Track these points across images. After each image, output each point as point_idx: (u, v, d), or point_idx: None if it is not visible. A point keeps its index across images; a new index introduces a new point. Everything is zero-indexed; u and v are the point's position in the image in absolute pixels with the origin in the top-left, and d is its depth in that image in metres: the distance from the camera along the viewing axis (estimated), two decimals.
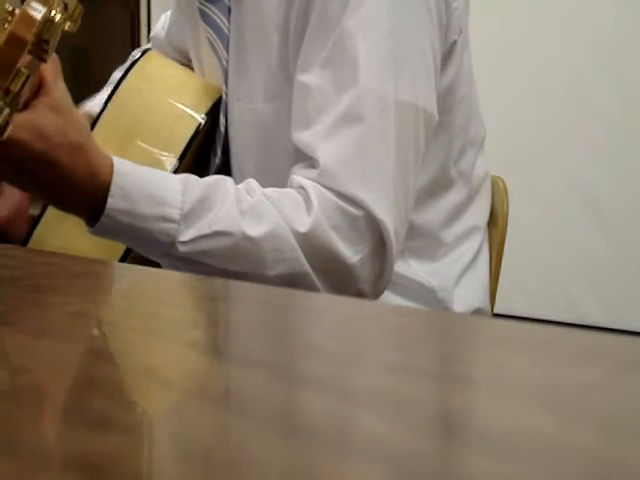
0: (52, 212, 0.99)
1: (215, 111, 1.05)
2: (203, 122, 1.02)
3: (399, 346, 0.46)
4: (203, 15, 1.06)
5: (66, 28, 0.63)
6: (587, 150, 2.76)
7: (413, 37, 0.92)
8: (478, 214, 1.10)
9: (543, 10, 2.81)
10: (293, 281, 0.87)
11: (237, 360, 0.42)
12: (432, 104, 0.94)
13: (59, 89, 0.80)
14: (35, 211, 1.02)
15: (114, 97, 1.02)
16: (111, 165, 0.83)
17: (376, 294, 0.93)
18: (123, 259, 0.98)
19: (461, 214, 1.07)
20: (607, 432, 0.29)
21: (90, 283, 0.70)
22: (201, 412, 0.33)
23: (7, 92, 0.59)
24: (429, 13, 0.93)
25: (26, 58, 0.60)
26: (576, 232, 2.79)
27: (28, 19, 0.59)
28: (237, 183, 0.90)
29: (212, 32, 1.05)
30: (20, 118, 0.76)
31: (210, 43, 1.06)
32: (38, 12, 0.60)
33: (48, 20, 0.60)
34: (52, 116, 0.79)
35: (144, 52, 1.11)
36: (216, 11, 1.04)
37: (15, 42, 0.59)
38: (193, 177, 0.88)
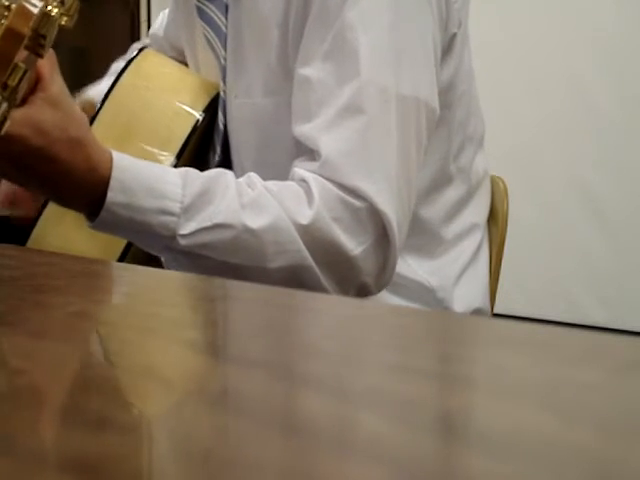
0: (51, 211, 1.00)
1: (212, 108, 1.05)
2: (201, 119, 1.03)
3: (399, 346, 0.46)
4: (200, 13, 1.06)
5: (63, 23, 0.63)
6: (587, 150, 2.76)
7: (414, 30, 0.93)
8: (478, 212, 1.10)
9: (543, 10, 2.81)
10: (295, 274, 0.87)
11: (236, 360, 0.42)
12: (433, 98, 0.94)
13: (56, 84, 0.80)
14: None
15: (111, 95, 1.02)
16: (110, 159, 0.83)
17: (379, 287, 0.92)
18: (122, 258, 0.98)
19: (460, 211, 1.07)
20: (607, 432, 0.29)
21: (90, 283, 0.70)
22: (200, 412, 0.33)
23: (5, 87, 0.59)
24: (429, 6, 0.93)
25: (23, 53, 0.60)
26: (576, 232, 2.79)
27: (25, 13, 0.59)
28: (237, 177, 0.90)
29: (210, 30, 1.05)
30: (18, 113, 0.76)
31: (207, 41, 1.06)
32: (35, 6, 0.60)
33: (45, 14, 0.60)
34: (50, 111, 0.80)
35: (140, 50, 1.11)
36: (214, 9, 1.04)
37: (12, 36, 0.59)
38: (193, 171, 0.88)
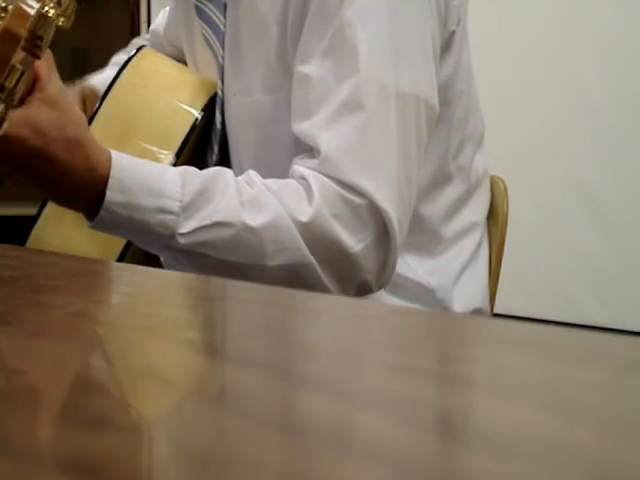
0: (50, 211, 1.00)
1: (211, 106, 1.05)
2: (200, 117, 1.03)
3: (399, 346, 0.46)
4: (199, 11, 1.06)
5: (60, 24, 0.63)
6: (587, 150, 2.76)
7: (413, 27, 0.93)
8: (477, 211, 1.10)
9: (543, 10, 2.81)
10: (295, 272, 0.87)
11: (236, 360, 0.42)
12: (433, 95, 0.94)
13: (53, 84, 0.80)
14: (32, 211, 1.02)
15: (109, 94, 1.02)
16: (109, 159, 0.83)
17: (380, 285, 0.92)
18: (121, 257, 0.98)
19: (460, 210, 1.07)
20: (607, 432, 0.29)
21: (89, 283, 0.70)
22: (200, 412, 0.33)
23: (2, 88, 0.60)
24: (428, 3, 0.93)
25: (20, 54, 0.60)
26: (576, 232, 2.79)
27: (21, 14, 0.59)
28: (236, 176, 0.90)
29: (208, 28, 1.05)
30: (15, 114, 0.76)
31: (205, 39, 1.06)
32: (31, 8, 0.60)
33: (42, 15, 0.60)
34: (48, 111, 0.80)
35: (139, 49, 1.11)
36: (212, 8, 1.04)
37: (9, 38, 0.59)
38: (192, 169, 0.88)
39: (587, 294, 2.79)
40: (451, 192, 1.06)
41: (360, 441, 0.29)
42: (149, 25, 1.38)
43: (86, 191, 0.83)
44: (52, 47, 0.65)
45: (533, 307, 2.85)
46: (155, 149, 0.99)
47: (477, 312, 1.07)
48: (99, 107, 1.02)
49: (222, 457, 0.27)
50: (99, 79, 1.18)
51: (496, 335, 0.48)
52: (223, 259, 0.86)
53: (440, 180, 1.04)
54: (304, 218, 0.86)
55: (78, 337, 0.48)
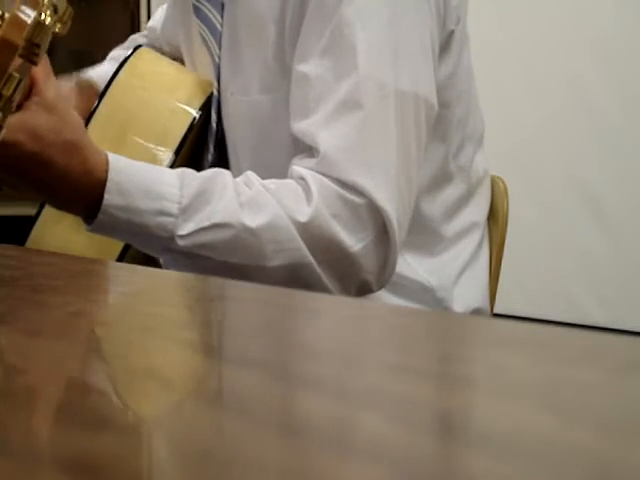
0: (49, 212, 1.00)
1: (209, 106, 1.05)
2: (197, 117, 1.03)
3: (399, 346, 0.46)
4: (197, 11, 1.06)
5: (57, 30, 0.63)
6: (587, 150, 2.76)
7: (412, 26, 0.92)
8: (478, 210, 1.10)
9: (543, 10, 2.81)
10: (295, 272, 0.87)
11: (235, 360, 0.42)
12: (432, 94, 0.94)
13: (51, 88, 0.80)
14: (32, 211, 1.02)
15: (107, 95, 1.02)
16: (106, 162, 0.83)
17: (380, 284, 0.92)
18: (120, 258, 0.98)
19: (460, 209, 1.07)
20: (607, 432, 0.29)
21: (89, 283, 0.70)
22: (199, 412, 0.33)
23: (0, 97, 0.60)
24: (427, 2, 0.93)
25: (17, 62, 0.60)
26: (576, 232, 2.79)
27: (18, 23, 0.59)
28: (234, 177, 0.90)
29: (205, 28, 1.05)
30: (13, 119, 0.76)
31: (203, 39, 1.06)
32: (28, 16, 0.60)
33: (39, 23, 0.60)
34: (45, 115, 0.80)
35: (135, 49, 1.11)
36: (209, 7, 1.04)
37: (6, 46, 0.59)
38: (190, 171, 0.88)
39: (587, 294, 2.79)
40: (452, 192, 1.06)
41: (360, 441, 0.29)
42: (153, 17, 1.38)
43: (84, 195, 0.83)
44: (52, 47, 0.65)
45: (533, 307, 2.85)
46: (154, 148, 0.99)
47: (477, 312, 1.07)
48: (97, 107, 1.02)
49: (221, 457, 0.27)
50: (97, 73, 1.18)
51: (496, 335, 0.48)
52: (223, 260, 0.86)
53: (441, 180, 1.04)
54: (303, 218, 0.86)
55: (77, 337, 0.48)
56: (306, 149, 0.90)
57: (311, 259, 0.87)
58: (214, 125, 1.05)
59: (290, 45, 0.94)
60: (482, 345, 0.47)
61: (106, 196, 0.83)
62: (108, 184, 0.83)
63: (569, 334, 0.50)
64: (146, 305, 0.59)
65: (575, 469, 0.26)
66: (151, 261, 1.00)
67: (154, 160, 0.97)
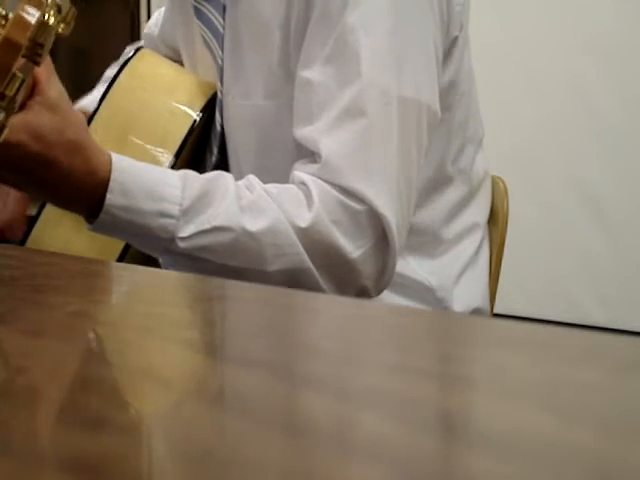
0: (49, 212, 1.00)
1: (210, 108, 1.05)
2: (198, 119, 1.02)
3: (399, 346, 0.46)
4: (198, 13, 1.06)
5: (60, 31, 0.63)
6: (587, 150, 2.76)
7: (415, 33, 0.92)
8: (478, 212, 1.10)
9: (543, 11, 2.81)
10: (294, 277, 0.87)
11: (236, 360, 0.42)
12: (435, 101, 0.94)
13: (53, 88, 0.80)
14: (32, 211, 1.02)
15: (108, 96, 1.02)
16: (109, 162, 0.83)
17: (378, 290, 0.92)
18: (121, 258, 0.98)
19: (461, 212, 1.07)
20: (607, 432, 0.29)
21: (89, 283, 0.70)
22: (199, 412, 0.33)
23: (2, 97, 0.60)
24: (431, 9, 0.93)
25: (20, 62, 0.60)
26: (576, 232, 2.79)
27: (22, 23, 0.59)
28: (236, 180, 0.90)
29: (207, 30, 1.05)
30: (15, 119, 0.76)
31: (204, 41, 1.06)
32: (32, 16, 0.60)
33: (42, 24, 0.60)
34: (48, 115, 0.80)
35: (136, 50, 1.10)
36: (211, 9, 1.04)
37: (10, 47, 0.59)
38: (192, 173, 0.88)
39: (587, 294, 2.79)
40: (452, 195, 1.06)
41: (360, 440, 0.29)
42: (148, 22, 1.38)
43: (87, 194, 0.83)
44: (52, 47, 0.65)
45: (533, 307, 2.85)
46: (154, 150, 0.99)
47: (477, 312, 1.07)
48: (97, 109, 1.02)
49: (222, 457, 0.27)
50: (89, 100, 1.18)
51: (496, 335, 0.48)
52: (222, 263, 0.86)
53: (439, 183, 1.04)
54: (303, 223, 0.86)
55: (78, 337, 0.48)
56: (308, 155, 0.90)
57: (310, 264, 0.87)
58: (218, 127, 1.05)
59: (295, 51, 0.94)
60: (482, 345, 0.47)
61: (109, 196, 0.83)
62: (111, 184, 0.83)
63: (569, 334, 0.50)
64: (146, 305, 0.59)
65: (575, 469, 0.26)
66: (151, 261, 1.00)
67: (154, 162, 0.97)
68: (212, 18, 1.04)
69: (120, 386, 0.38)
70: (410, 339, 0.47)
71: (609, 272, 2.74)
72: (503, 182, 1.16)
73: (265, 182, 0.90)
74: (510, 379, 0.37)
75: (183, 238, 0.85)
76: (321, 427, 0.31)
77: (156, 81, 1.08)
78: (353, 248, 0.88)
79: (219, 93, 1.05)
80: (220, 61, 1.04)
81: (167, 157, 0.99)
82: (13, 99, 0.60)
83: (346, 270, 0.89)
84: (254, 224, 0.86)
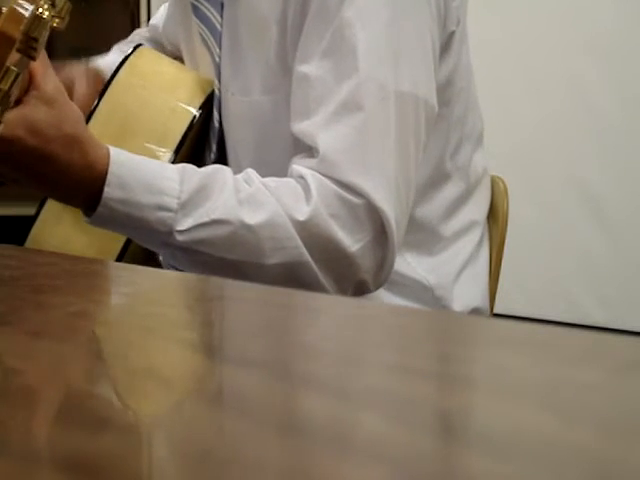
0: (48, 211, 1.00)
1: (208, 105, 1.05)
2: (197, 115, 1.03)
3: (399, 346, 0.46)
4: (195, 10, 1.06)
5: (55, 25, 0.63)
6: (587, 150, 2.76)
7: (412, 28, 0.93)
8: (477, 209, 1.10)
9: (542, 9, 2.81)
10: (292, 270, 0.87)
11: (236, 360, 0.42)
12: (432, 95, 0.94)
13: (50, 82, 0.80)
14: (31, 211, 1.02)
15: (106, 93, 1.02)
16: (107, 155, 0.83)
17: (377, 284, 0.92)
18: (120, 257, 0.98)
19: (459, 208, 1.07)
20: (607, 432, 0.29)
21: (89, 283, 0.70)
22: (199, 412, 0.33)
23: None
24: (428, 4, 0.93)
25: (15, 56, 0.60)
26: (576, 232, 2.79)
27: (16, 16, 0.59)
28: (234, 175, 0.90)
29: (204, 27, 1.05)
30: (12, 115, 0.76)
31: (202, 38, 1.06)
32: (26, 10, 0.60)
33: (36, 17, 0.60)
34: (44, 109, 0.80)
35: (135, 48, 1.10)
36: (209, 6, 1.04)
37: (3, 40, 0.59)
38: (191, 167, 0.88)
39: (587, 294, 2.79)
40: (450, 191, 1.06)
41: (359, 441, 0.29)
42: (155, 14, 1.38)
43: (85, 187, 0.83)
44: (52, 47, 0.65)
45: (533, 307, 2.85)
46: (154, 147, 0.99)
47: (476, 311, 1.07)
48: (96, 106, 1.02)
49: (222, 457, 0.27)
50: (105, 62, 1.18)
51: (496, 335, 0.48)
52: (220, 256, 0.86)
53: (437, 179, 1.04)
54: (301, 217, 0.87)
55: (78, 337, 0.48)
56: (306, 149, 0.91)
57: (309, 258, 0.87)
58: (216, 124, 1.05)
59: (292, 46, 0.94)
60: (482, 345, 0.47)
61: (106, 189, 0.83)
62: (109, 177, 0.83)
63: (569, 334, 0.50)
64: (146, 305, 0.59)
65: (575, 469, 0.26)
66: (151, 260, 1.00)
67: (154, 159, 0.97)
68: (210, 16, 1.04)
69: (120, 386, 0.38)
70: (410, 339, 0.47)
71: (609, 272, 2.74)
72: (503, 182, 1.16)
73: (264, 176, 0.90)
74: (510, 379, 0.37)
75: (181, 231, 0.85)
76: (320, 427, 0.31)
77: (155, 79, 1.08)
78: (351, 242, 0.88)
79: (216, 90, 1.05)
80: (217, 58, 1.04)
81: (167, 154, 0.99)
82: (7, 93, 0.60)
83: (345, 264, 0.89)
84: (252, 217, 0.86)
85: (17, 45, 0.59)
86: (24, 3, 0.60)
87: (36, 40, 0.60)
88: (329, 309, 0.57)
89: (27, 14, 0.60)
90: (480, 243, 1.10)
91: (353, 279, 0.90)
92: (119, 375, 0.40)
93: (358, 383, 0.37)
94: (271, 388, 0.35)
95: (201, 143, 1.08)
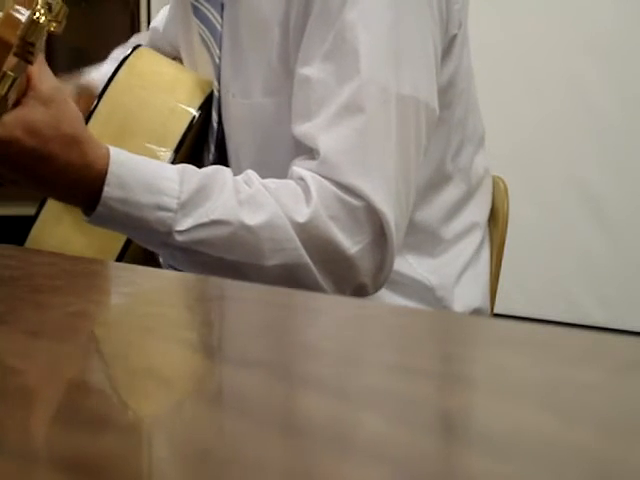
0: (48, 212, 1.00)
1: (208, 105, 1.05)
2: (197, 116, 1.03)
3: (399, 346, 0.46)
4: (196, 10, 1.06)
5: (51, 29, 0.63)
6: (587, 150, 2.76)
7: (414, 31, 0.93)
8: (478, 211, 1.10)
9: (543, 10, 2.81)
10: (292, 272, 0.87)
11: (236, 360, 0.42)
12: (433, 98, 0.94)
13: (46, 82, 0.80)
14: (31, 211, 1.02)
15: (106, 94, 1.02)
16: (107, 155, 0.83)
17: (376, 287, 0.92)
18: (120, 257, 0.98)
19: (460, 210, 1.07)
20: (607, 432, 0.29)
21: (89, 283, 0.70)
22: (199, 412, 0.33)
23: None
24: (430, 7, 0.93)
25: (12, 61, 0.60)
26: (576, 232, 2.79)
27: (12, 21, 0.59)
28: (235, 176, 0.90)
29: (205, 29, 1.05)
30: (9, 116, 0.76)
31: (202, 39, 1.06)
32: (22, 15, 0.60)
33: (32, 22, 0.60)
34: (42, 110, 0.79)
35: (134, 48, 1.10)
36: (209, 7, 1.04)
37: (0, 45, 0.59)
38: (191, 167, 0.88)
39: (587, 294, 2.79)
40: (451, 193, 1.06)
41: (360, 441, 0.29)
42: (149, 25, 1.38)
43: (84, 187, 0.83)
44: (52, 47, 0.65)
45: (533, 307, 2.85)
46: (153, 147, 0.99)
47: (477, 312, 1.07)
48: (96, 106, 1.02)
49: (222, 457, 0.27)
50: (100, 73, 1.18)
51: (496, 335, 0.48)
52: (219, 257, 0.86)
53: (438, 181, 1.04)
54: (301, 219, 0.87)
55: (77, 337, 0.48)
56: (307, 151, 0.91)
57: (308, 259, 0.87)
58: (215, 125, 1.05)
59: (294, 48, 0.94)
60: (482, 345, 0.47)
61: (106, 188, 0.83)
62: (108, 176, 0.83)
63: (569, 334, 0.50)
64: (146, 305, 0.59)
65: (575, 469, 0.26)
66: (151, 260, 1.00)
67: (154, 159, 0.97)
68: (210, 16, 1.04)
69: (120, 386, 0.38)
70: (410, 339, 0.47)
71: (609, 272, 2.74)
72: (503, 182, 1.16)
73: (264, 178, 0.90)
74: (510, 379, 0.37)
75: (181, 231, 0.85)
76: (321, 427, 0.31)
77: (155, 79, 1.08)
78: (351, 244, 0.88)
79: (215, 91, 1.05)
80: (217, 59, 1.04)
81: (166, 155, 0.99)
82: (5, 98, 0.60)
83: (344, 266, 0.89)
84: (252, 218, 0.86)
85: (14, 50, 0.59)
86: (20, 8, 0.60)
87: (33, 45, 0.60)
88: (329, 309, 0.57)
89: (23, 19, 0.60)
90: (481, 244, 1.10)
91: (352, 281, 0.90)
92: (119, 375, 0.40)
93: (358, 383, 0.37)
94: (271, 388, 0.35)
95: (200, 144, 1.08)
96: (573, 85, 2.76)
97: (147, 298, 0.62)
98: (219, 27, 1.03)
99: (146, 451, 0.29)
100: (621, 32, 2.68)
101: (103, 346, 0.47)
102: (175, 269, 0.94)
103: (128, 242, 0.97)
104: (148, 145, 1.00)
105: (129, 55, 1.08)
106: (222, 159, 1.06)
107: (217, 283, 0.71)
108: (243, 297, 0.62)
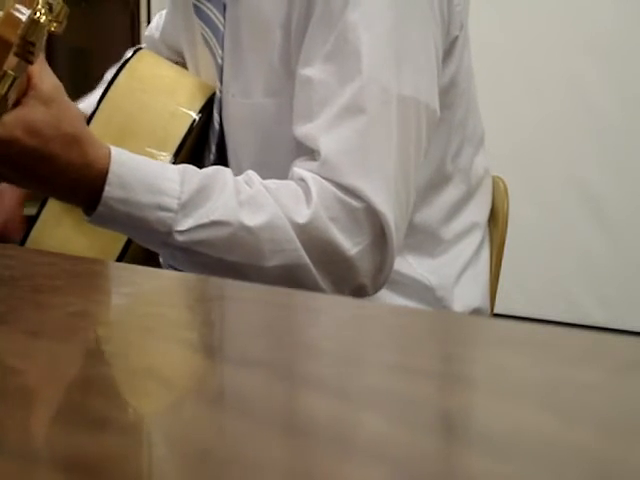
0: (49, 212, 1.00)
1: (208, 108, 1.05)
2: (197, 119, 1.03)
3: (399, 346, 0.46)
4: (198, 11, 1.06)
5: (52, 29, 0.63)
6: (587, 150, 2.76)
7: (416, 33, 0.93)
8: (478, 211, 1.10)
9: (543, 10, 2.82)
10: (291, 273, 0.87)
11: (236, 360, 0.42)
12: (434, 100, 0.94)
13: (46, 81, 0.80)
14: (32, 211, 1.02)
15: (106, 97, 1.02)
16: (108, 154, 0.83)
17: (376, 288, 0.92)
18: (120, 258, 0.98)
19: (460, 211, 1.07)
20: (607, 432, 0.29)
21: (89, 283, 0.70)
22: (200, 412, 0.33)
23: None
24: (431, 9, 0.93)
25: (13, 60, 0.60)
26: (576, 232, 2.79)
27: (13, 21, 0.59)
28: (235, 176, 0.90)
29: (207, 29, 1.05)
30: (10, 116, 0.76)
31: (204, 40, 1.06)
32: (23, 14, 0.60)
33: (33, 21, 0.60)
34: (42, 109, 0.79)
35: (136, 51, 1.11)
36: (211, 7, 1.04)
37: (0, 44, 0.59)
38: (191, 167, 0.88)
39: (587, 294, 2.79)
40: (451, 193, 1.06)
41: (360, 441, 0.29)
42: (149, 25, 1.38)
43: (85, 186, 0.83)
44: (52, 47, 0.65)
45: (533, 307, 2.85)
46: (153, 151, 0.99)
47: (477, 312, 1.07)
48: (96, 109, 1.02)
49: (222, 457, 0.27)
50: (88, 103, 1.18)
51: (496, 335, 0.48)
52: (219, 258, 0.86)
53: (438, 181, 1.04)
54: (301, 220, 0.87)
55: (78, 337, 0.48)
56: (308, 152, 0.90)
57: (308, 260, 0.87)
58: (217, 126, 1.05)
59: (296, 49, 0.94)
60: (482, 345, 0.47)
61: (107, 188, 0.83)
62: (109, 176, 0.83)
63: (569, 334, 0.50)
64: (146, 305, 0.59)
65: (575, 469, 0.26)
66: (151, 261, 1.00)
67: None
68: (212, 17, 1.04)
69: (120, 386, 0.38)
70: (410, 339, 0.47)
71: (609, 272, 2.74)
72: (503, 182, 1.16)
73: (265, 178, 0.90)
74: (510, 379, 0.37)
75: (181, 232, 0.85)
76: (321, 427, 0.31)
77: (155, 82, 1.08)
78: (351, 245, 0.88)
79: (218, 92, 1.05)
80: (220, 60, 1.04)
81: (166, 158, 0.99)
82: (5, 97, 0.60)
83: (344, 267, 0.89)
84: (252, 219, 0.86)
85: (14, 49, 0.59)
86: (21, 7, 0.60)
87: (33, 44, 0.60)
88: (329, 309, 0.57)
89: (24, 18, 0.60)
90: (481, 245, 1.10)
91: (352, 282, 0.90)
92: (119, 375, 0.40)
93: (359, 383, 0.37)
94: (271, 388, 0.35)
95: (200, 145, 1.08)
96: (573, 85, 2.77)
97: (147, 298, 0.62)
98: (221, 27, 1.03)
99: (146, 451, 0.29)
100: (621, 32, 2.68)
101: (103, 346, 0.47)
102: (175, 269, 0.94)
103: (128, 243, 0.97)
104: (148, 148, 1.00)
105: (130, 58, 1.08)
106: (223, 159, 1.06)
107: (217, 283, 0.71)
108: (243, 297, 0.62)
